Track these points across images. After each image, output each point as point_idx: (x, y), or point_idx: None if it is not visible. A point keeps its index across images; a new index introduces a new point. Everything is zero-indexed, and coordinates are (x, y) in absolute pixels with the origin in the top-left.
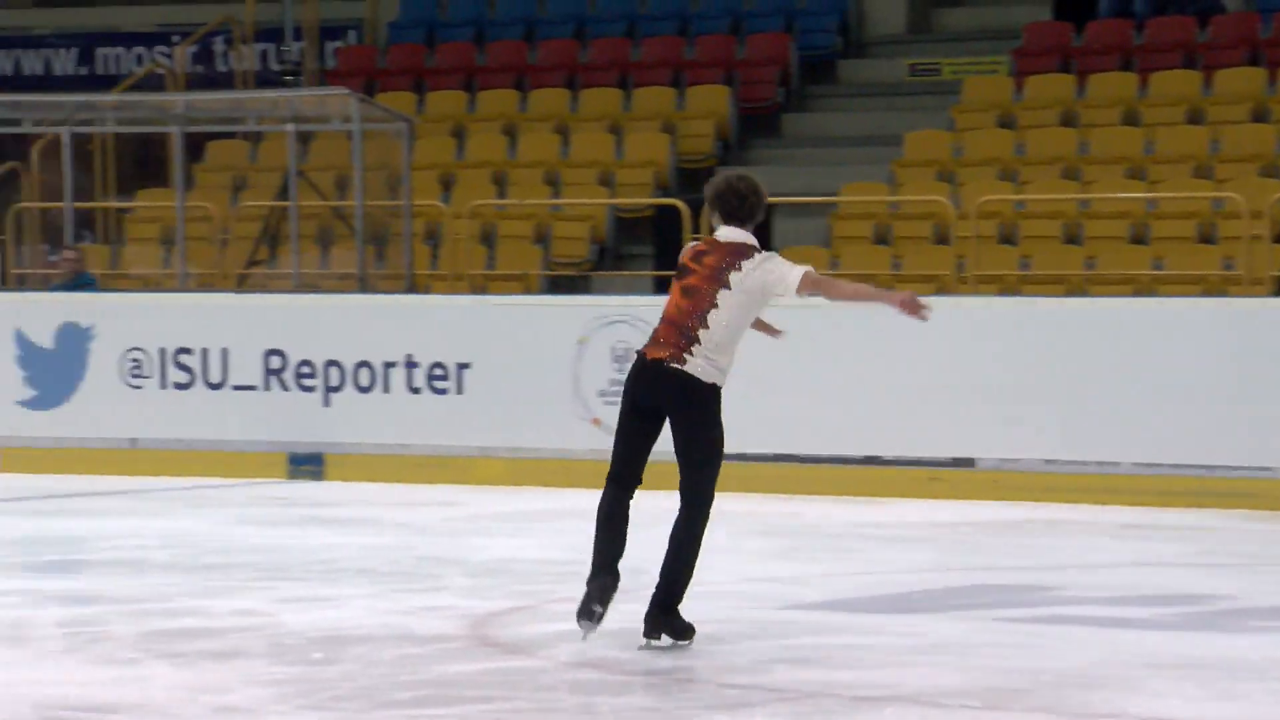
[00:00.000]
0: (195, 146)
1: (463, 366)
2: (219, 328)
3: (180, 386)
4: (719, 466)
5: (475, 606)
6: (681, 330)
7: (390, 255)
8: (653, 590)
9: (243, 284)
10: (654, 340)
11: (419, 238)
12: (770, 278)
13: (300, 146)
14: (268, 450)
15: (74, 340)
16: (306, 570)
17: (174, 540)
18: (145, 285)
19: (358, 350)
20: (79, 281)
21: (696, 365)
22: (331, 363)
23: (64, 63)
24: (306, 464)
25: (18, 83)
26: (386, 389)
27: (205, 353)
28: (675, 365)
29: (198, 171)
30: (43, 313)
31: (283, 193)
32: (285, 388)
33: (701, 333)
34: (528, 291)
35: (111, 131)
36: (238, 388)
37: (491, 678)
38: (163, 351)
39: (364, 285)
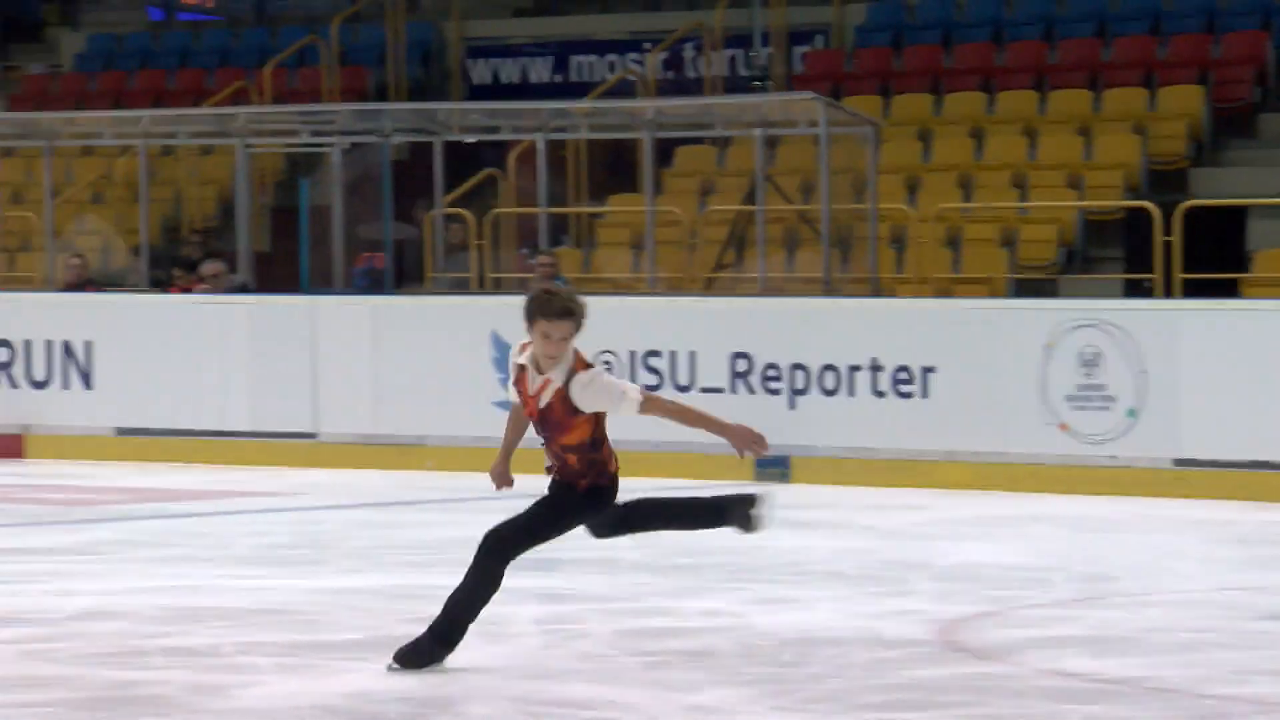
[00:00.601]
0: (665, 152)
1: (928, 370)
2: (687, 330)
3: (649, 389)
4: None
5: (944, 611)
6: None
7: (855, 258)
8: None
9: (710, 287)
10: None
11: (884, 241)
12: (596, 401)
13: (767, 151)
14: (734, 453)
15: None
16: (775, 572)
17: (645, 541)
18: (615, 288)
19: (823, 353)
20: (555, 283)
21: (564, 471)
22: (797, 366)
23: (540, 71)
24: (772, 466)
25: (496, 91)
26: (851, 392)
27: (673, 355)
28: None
29: (667, 176)
30: (518, 315)
31: (750, 197)
32: (751, 390)
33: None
34: (993, 295)
35: (584, 138)
36: (705, 390)
37: (962, 682)
38: (632, 354)
39: (829, 289)
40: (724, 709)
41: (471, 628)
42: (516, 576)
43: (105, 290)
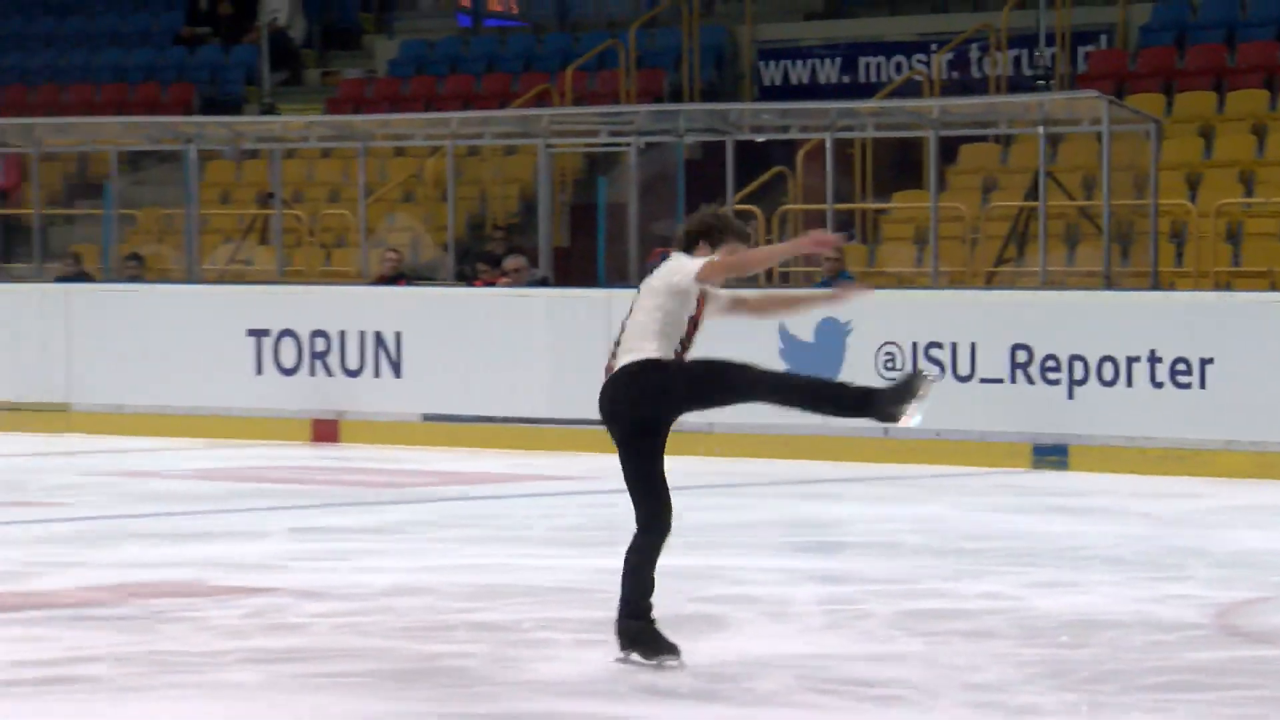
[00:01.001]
0: (949, 150)
1: (1206, 362)
2: (968, 323)
3: (933, 378)
4: (647, 482)
5: (1220, 596)
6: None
7: (1135, 253)
8: None
9: (991, 281)
10: None
11: (1164, 236)
12: (671, 268)
13: (1049, 148)
14: (1013, 440)
15: (833, 334)
16: (1053, 556)
17: (925, 525)
18: (899, 282)
19: (1102, 345)
20: (839, 279)
21: (613, 369)
22: (1076, 357)
23: (828, 72)
24: (1051, 454)
25: (785, 92)
26: (1130, 383)
27: (955, 346)
28: (604, 381)
29: (950, 173)
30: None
31: (1032, 193)
32: (1030, 381)
33: (620, 339)
34: (1273, 288)
35: (870, 136)
36: (985, 380)
37: (1238, 666)
38: (915, 345)
39: (1109, 282)
40: (1003, 688)
41: (757, 608)
42: (799, 558)
43: (415, 284)
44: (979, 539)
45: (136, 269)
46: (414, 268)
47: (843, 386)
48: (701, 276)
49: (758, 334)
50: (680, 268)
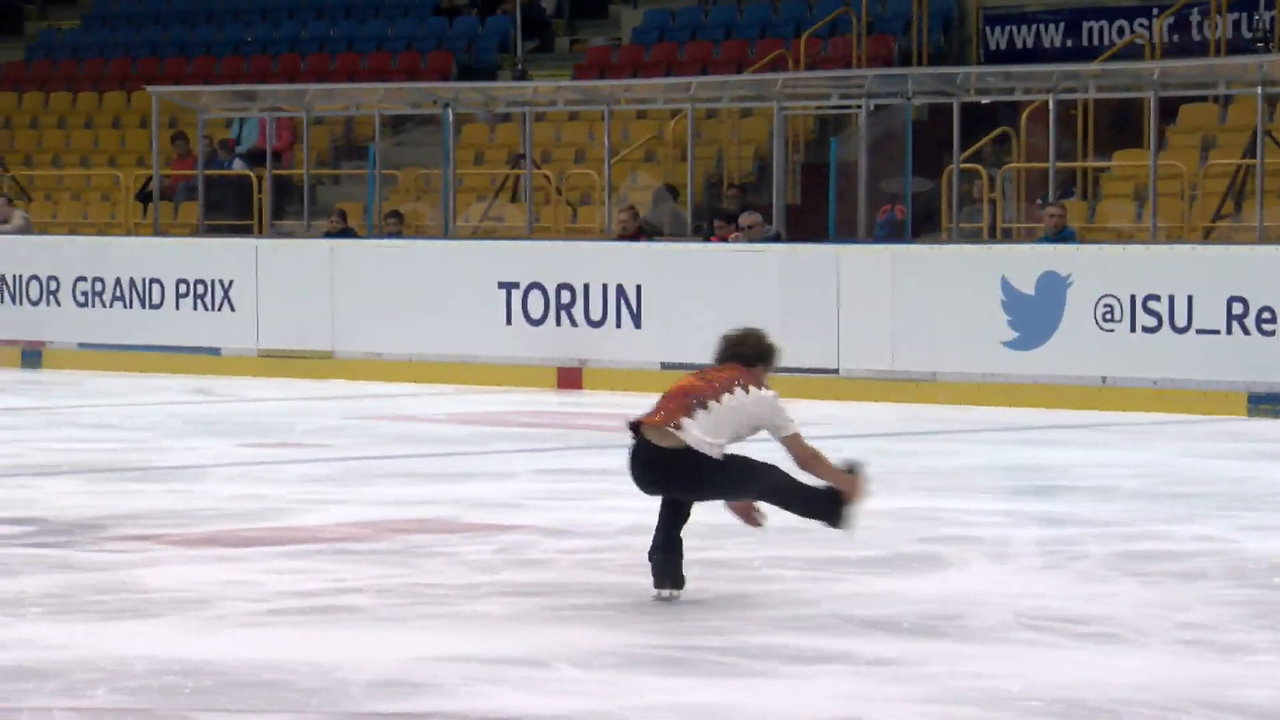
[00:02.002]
0: (1168, 110)
1: None
2: (1185, 276)
3: (1148, 330)
4: (760, 472)
5: None
6: (686, 402)
7: None
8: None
9: (1208, 236)
10: (652, 412)
11: None
12: (765, 412)
13: (1267, 108)
14: (1228, 389)
15: (1053, 288)
16: (1266, 501)
17: (1141, 470)
18: (1118, 238)
19: None
20: (1061, 235)
21: (691, 433)
22: None
23: (1052, 36)
24: (1266, 403)
25: (1010, 56)
26: None
27: (1172, 299)
28: (671, 430)
29: (1169, 133)
30: (1026, 263)
31: (1249, 151)
32: (1246, 332)
33: (707, 406)
34: None
35: (1092, 98)
36: (1201, 331)
37: None
38: (1133, 298)
39: None
40: (1213, 626)
41: (978, 548)
42: (1018, 501)
43: (654, 240)
44: (1194, 484)
45: (396, 226)
46: (653, 225)
47: (814, 493)
48: (789, 445)
49: (980, 288)
50: (773, 420)
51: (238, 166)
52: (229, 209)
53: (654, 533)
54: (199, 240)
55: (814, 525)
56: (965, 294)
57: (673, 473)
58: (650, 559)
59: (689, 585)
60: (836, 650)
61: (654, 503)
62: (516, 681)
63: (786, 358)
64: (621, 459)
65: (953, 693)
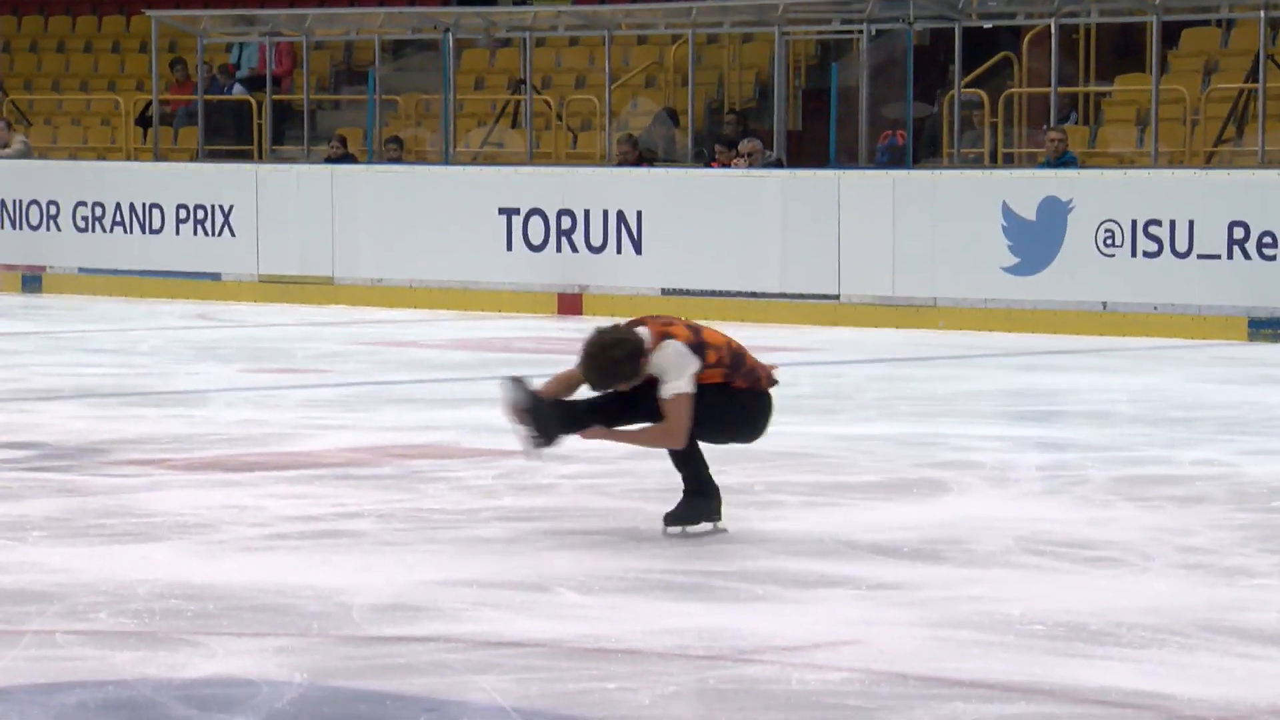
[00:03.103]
0: (1170, 34)
1: None
2: (1186, 201)
3: (1149, 255)
4: None
5: None
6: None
7: None
8: None
9: (1210, 161)
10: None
11: None
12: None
13: (1270, 31)
14: (1229, 314)
15: (1054, 213)
16: (1267, 425)
17: (1141, 395)
18: (1120, 163)
19: None
20: (1062, 159)
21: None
22: None
23: None
24: (1266, 327)
25: None
26: None
27: (1173, 224)
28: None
29: (1171, 57)
30: (1027, 188)
31: (1251, 75)
32: (1247, 256)
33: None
34: None
35: (1094, 21)
36: (1202, 256)
37: None
38: (1134, 223)
39: None
40: (1216, 550)
41: (978, 474)
42: (1019, 426)
43: (655, 165)
44: (1194, 408)
45: (397, 151)
46: (650, 147)
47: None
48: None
49: (981, 214)
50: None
51: (237, 91)
52: (229, 134)
53: (707, 474)
54: (199, 165)
55: (806, 451)
56: (966, 219)
57: None
58: (715, 508)
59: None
60: (839, 575)
61: None
62: (518, 606)
63: (788, 283)
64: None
65: (954, 617)
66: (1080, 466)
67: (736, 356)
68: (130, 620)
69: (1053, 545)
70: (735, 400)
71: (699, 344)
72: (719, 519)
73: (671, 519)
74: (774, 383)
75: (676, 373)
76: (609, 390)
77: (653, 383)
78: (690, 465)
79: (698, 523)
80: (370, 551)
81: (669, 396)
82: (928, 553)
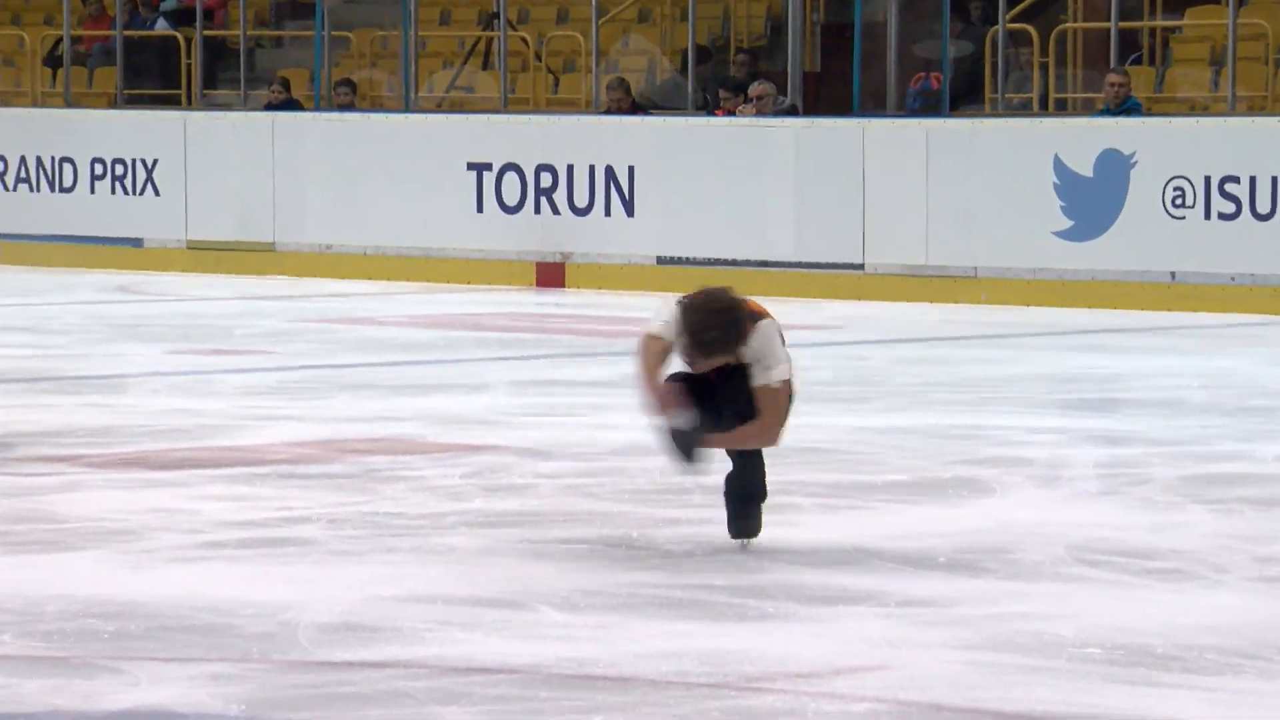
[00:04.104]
0: None
1: None
2: (1269, 154)
3: (1225, 217)
4: None
5: None
6: None
7: None
8: None
9: None
10: None
11: None
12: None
13: None
14: None
15: (1115, 168)
16: None
17: (1214, 380)
18: (1191, 109)
19: None
20: (1124, 106)
21: None
22: None
23: None
24: None
25: None
26: None
27: (1253, 181)
28: None
29: None
30: (1084, 139)
31: None
32: None
33: None
34: None
35: None
36: None
37: None
38: (1207, 180)
39: None
40: None
41: (1025, 472)
42: (1073, 417)
43: (649, 113)
44: (1276, 396)
45: (348, 96)
46: (648, 95)
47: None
48: None
49: (1029, 169)
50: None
51: (162, 26)
52: (152, 76)
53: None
54: (118, 113)
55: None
56: (1012, 176)
57: None
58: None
59: (691, 513)
60: (862, 589)
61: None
62: (491, 625)
63: (804, 250)
64: (612, 367)
65: (996, 638)
66: (1143, 463)
67: None
68: (40, 643)
69: (1111, 555)
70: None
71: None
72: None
73: (739, 529)
74: None
75: (776, 358)
76: (697, 370)
77: (732, 370)
78: (761, 467)
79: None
80: (319, 562)
81: (775, 384)
82: (965, 564)
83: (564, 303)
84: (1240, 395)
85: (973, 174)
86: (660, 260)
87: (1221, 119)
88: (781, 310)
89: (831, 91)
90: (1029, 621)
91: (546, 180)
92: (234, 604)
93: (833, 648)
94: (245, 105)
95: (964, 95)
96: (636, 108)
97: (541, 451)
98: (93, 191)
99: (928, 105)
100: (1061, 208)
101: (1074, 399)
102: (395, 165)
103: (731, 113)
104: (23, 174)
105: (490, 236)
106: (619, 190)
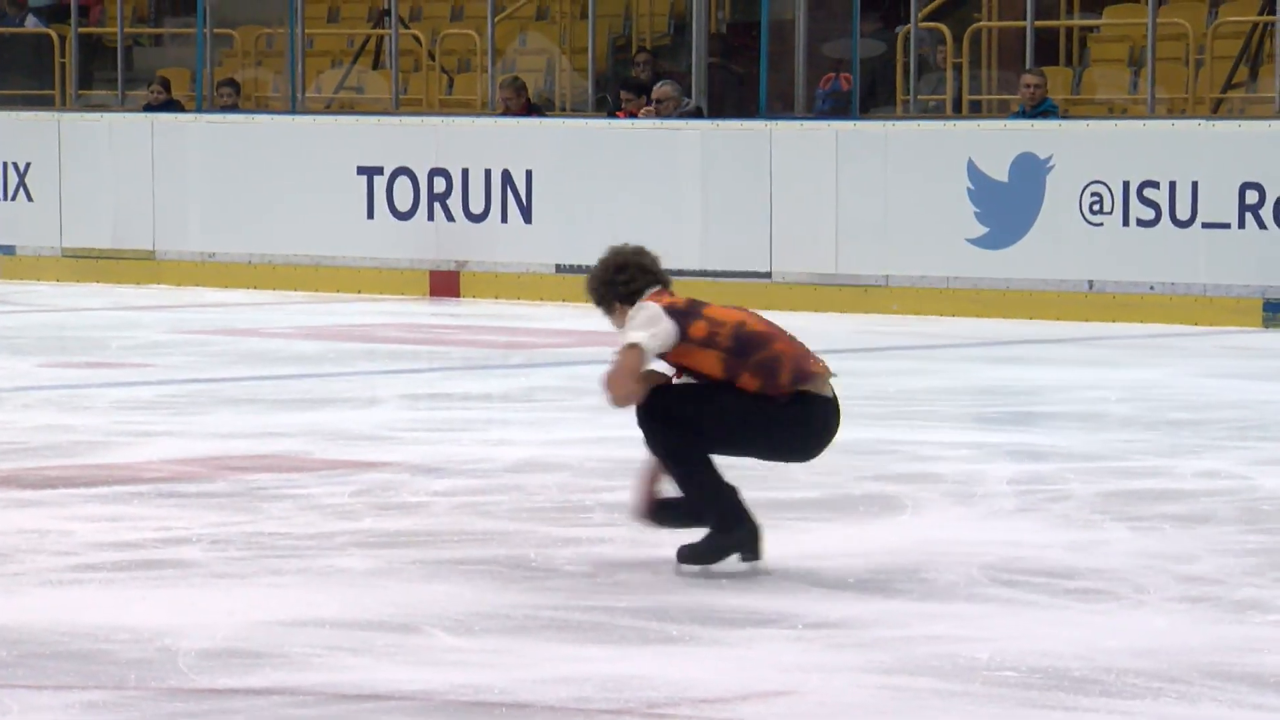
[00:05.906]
0: None
1: None
2: (1189, 159)
3: (1144, 224)
4: None
5: None
6: None
7: None
8: None
9: (1218, 110)
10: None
11: None
12: None
13: None
14: (1240, 295)
15: (1030, 172)
16: None
17: (1134, 392)
18: (1109, 112)
19: None
20: (1040, 108)
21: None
22: None
23: None
24: (1278, 312)
25: None
26: None
27: (1173, 186)
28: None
29: None
30: (998, 142)
31: (1267, 6)
32: (1262, 225)
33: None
34: None
35: None
36: (1208, 225)
37: None
38: (1126, 185)
39: None
40: (1223, 580)
41: (939, 488)
42: (989, 431)
43: (547, 115)
44: (1197, 409)
45: (232, 97)
46: (546, 97)
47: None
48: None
49: (942, 173)
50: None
51: (33, 23)
52: (23, 75)
53: (742, 506)
54: None
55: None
56: (924, 180)
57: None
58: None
59: (592, 532)
60: (770, 611)
61: (550, 436)
62: (381, 650)
63: (709, 259)
64: (508, 381)
65: (909, 661)
66: (1062, 479)
67: (744, 341)
68: None
69: (1028, 575)
70: (751, 407)
71: (685, 312)
72: (751, 553)
73: (687, 554)
74: (806, 379)
75: (636, 325)
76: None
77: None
78: (691, 482)
79: (718, 557)
80: (200, 585)
81: (619, 347)
82: (878, 584)
83: (459, 313)
84: (1161, 408)
85: (885, 179)
86: (559, 269)
87: (1140, 122)
88: None
89: (738, 93)
90: (943, 644)
91: (440, 185)
92: (110, 629)
93: (739, 672)
94: (123, 106)
95: (875, 97)
96: (532, 109)
97: (435, 468)
98: None
99: (837, 107)
100: (976, 214)
101: (990, 412)
102: (281, 169)
103: (633, 115)
104: None
105: (382, 244)
106: (516, 196)
